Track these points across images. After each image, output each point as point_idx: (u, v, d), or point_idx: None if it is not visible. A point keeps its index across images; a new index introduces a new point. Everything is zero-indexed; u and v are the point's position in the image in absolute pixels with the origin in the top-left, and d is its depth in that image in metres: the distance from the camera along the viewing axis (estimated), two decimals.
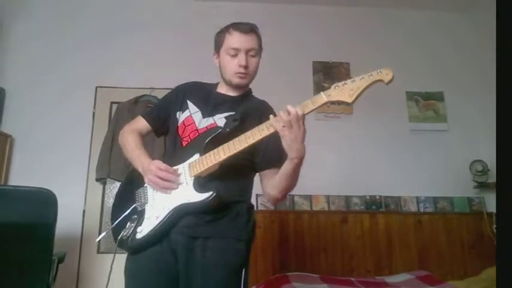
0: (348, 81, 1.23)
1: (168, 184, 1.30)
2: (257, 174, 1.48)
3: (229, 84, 1.46)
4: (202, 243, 1.29)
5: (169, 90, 1.61)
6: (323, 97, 1.24)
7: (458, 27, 3.70)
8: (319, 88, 3.44)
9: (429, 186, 3.33)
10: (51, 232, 1.95)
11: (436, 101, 3.55)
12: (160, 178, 1.30)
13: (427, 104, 3.54)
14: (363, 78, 1.22)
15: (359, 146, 3.36)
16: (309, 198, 3.23)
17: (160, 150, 2.67)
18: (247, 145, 1.25)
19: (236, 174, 1.36)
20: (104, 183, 3.14)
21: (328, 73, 3.52)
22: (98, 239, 1.40)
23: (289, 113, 1.18)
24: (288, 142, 1.20)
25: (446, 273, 3.02)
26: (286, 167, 1.27)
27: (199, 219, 1.29)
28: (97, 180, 3.06)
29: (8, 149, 3.07)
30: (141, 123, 1.53)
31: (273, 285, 2.52)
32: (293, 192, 3.18)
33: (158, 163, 1.32)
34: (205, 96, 1.48)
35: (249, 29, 1.42)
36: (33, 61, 3.34)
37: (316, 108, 1.24)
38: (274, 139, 1.27)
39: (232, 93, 1.48)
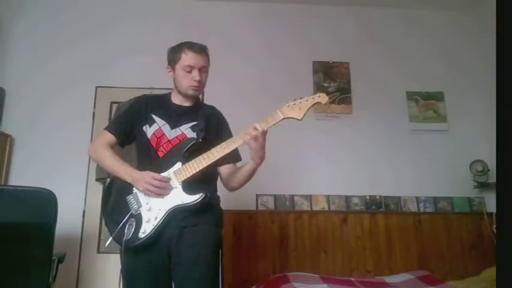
0: (297, 100, 1.57)
1: (162, 191, 1.54)
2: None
3: (184, 95, 1.71)
4: (191, 229, 1.57)
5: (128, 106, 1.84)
6: (279, 114, 1.55)
7: (458, 26, 3.70)
8: (319, 88, 3.44)
9: (429, 186, 3.33)
10: (51, 232, 1.94)
11: (436, 101, 3.55)
12: (155, 186, 1.52)
13: (427, 104, 3.54)
14: (307, 100, 1.56)
15: (359, 146, 3.36)
16: (309, 198, 3.23)
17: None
18: (223, 154, 1.55)
19: (208, 172, 1.63)
20: (104, 183, 3.14)
21: (328, 73, 3.52)
22: (106, 244, 1.61)
23: (256, 129, 1.49)
24: (255, 151, 1.52)
25: (446, 273, 3.03)
26: (251, 167, 1.60)
27: (187, 213, 1.56)
28: (97, 180, 3.07)
29: (8, 149, 3.07)
30: (109, 137, 1.72)
31: (273, 285, 2.52)
32: (293, 192, 3.22)
33: (152, 174, 1.54)
34: (166, 109, 1.73)
35: (201, 49, 1.68)
36: (33, 61, 3.34)
37: (275, 124, 1.54)
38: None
39: (187, 103, 1.74)
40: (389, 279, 2.80)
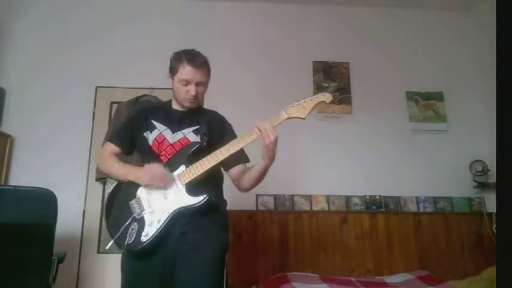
0: (301, 101, 1.56)
1: (166, 181, 1.52)
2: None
3: (181, 105, 1.71)
4: (194, 233, 1.52)
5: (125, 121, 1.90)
6: (283, 114, 1.55)
7: (459, 26, 3.70)
8: (319, 88, 3.44)
9: (429, 186, 3.33)
10: (51, 232, 1.95)
11: (436, 101, 3.55)
12: (158, 175, 1.51)
13: (427, 104, 3.54)
14: (311, 99, 1.57)
15: (359, 146, 3.36)
16: (309, 198, 3.23)
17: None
18: (228, 155, 1.53)
19: (213, 175, 1.61)
20: (104, 183, 3.14)
21: (328, 73, 3.52)
22: (107, 247, 1.57)
23: (262, 127, 1.46)
24: (267, 149, 1.48)
25: (446, 273, 3.02)
26: (261, 166, 1.56)
27: (190, 217, 1.52)
28: (97, 180, 3.07)
29: (8, 149, 3.07)
30: (112, 148, 1.73)
31: (273, 285, 2.52)
32: (293, 192, 3.22)
33: (153, 164, 1.55)
34: (166, 115, 1.73)
35: (200, 63, 1.63)
36: (33, 61, 3.34)
37: (279, 123, 1.53)
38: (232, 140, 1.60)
39: (187, 108, 1.72)
40: (389, 279, 2.80)
